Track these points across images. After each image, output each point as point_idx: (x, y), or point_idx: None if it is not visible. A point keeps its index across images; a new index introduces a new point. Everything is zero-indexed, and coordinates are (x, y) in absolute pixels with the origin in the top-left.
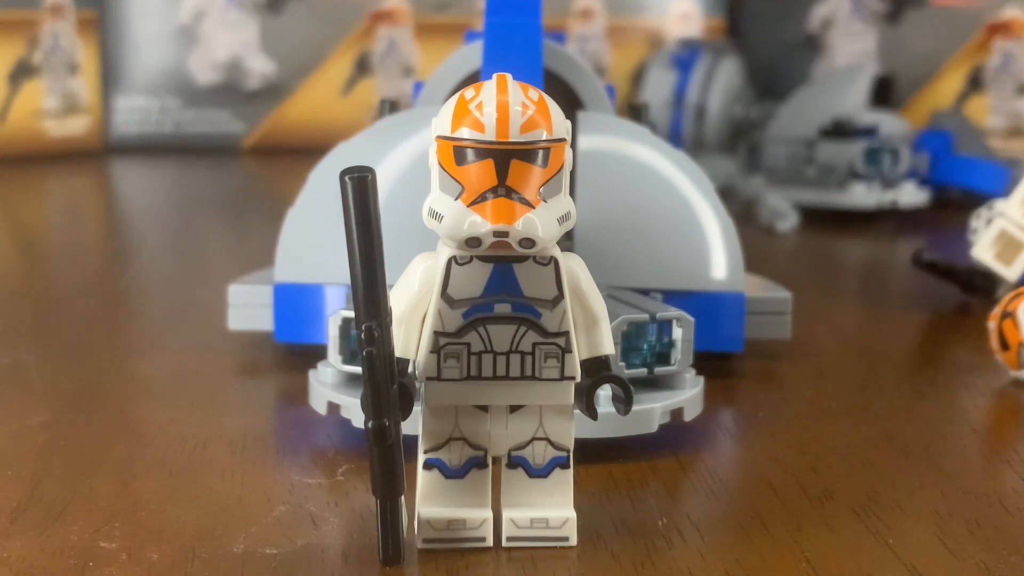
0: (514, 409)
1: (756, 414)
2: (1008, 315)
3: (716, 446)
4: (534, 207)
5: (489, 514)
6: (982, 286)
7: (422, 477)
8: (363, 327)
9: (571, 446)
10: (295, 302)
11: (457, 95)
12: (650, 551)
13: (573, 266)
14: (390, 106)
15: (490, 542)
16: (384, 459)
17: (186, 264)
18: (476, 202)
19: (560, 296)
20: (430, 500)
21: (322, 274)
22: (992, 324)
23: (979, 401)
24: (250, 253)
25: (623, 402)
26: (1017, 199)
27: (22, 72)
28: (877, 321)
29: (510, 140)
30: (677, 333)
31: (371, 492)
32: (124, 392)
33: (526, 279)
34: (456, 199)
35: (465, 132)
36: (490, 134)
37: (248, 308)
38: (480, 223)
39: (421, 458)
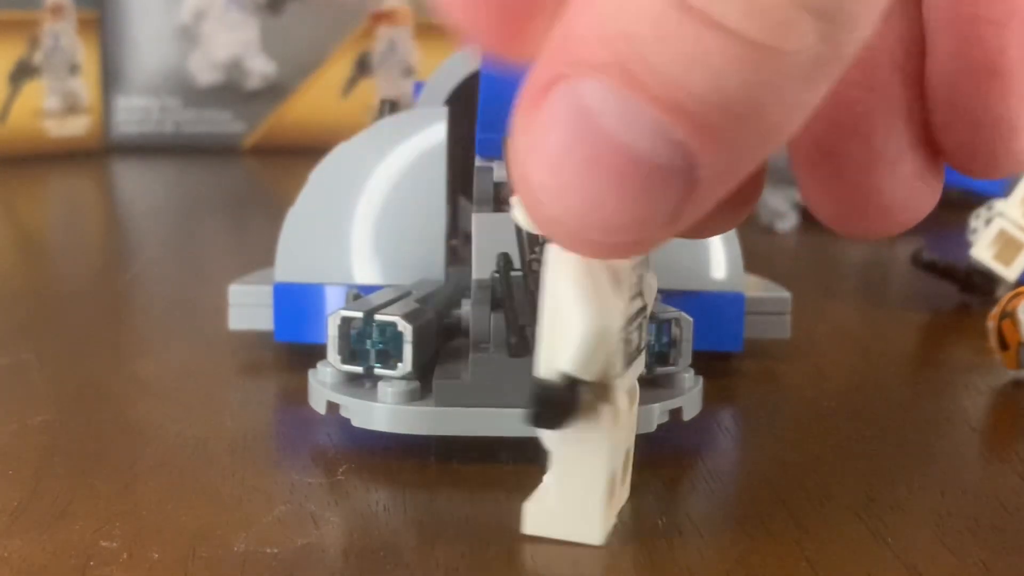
0: None
1: (756, 414)
2: (1007, 315)
3: (716, 446)
4: None
5: None
6: (981, 286)
7: None
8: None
9: None
10: (295, 302)
11: None
12: (650, 551)
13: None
14: (390, 106)
15: None
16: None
17: (186, 264)
18: None
19: None
20: None
21: (322, 274)
22: (992, 324)
23: (979, 401)
24: (250, 253)
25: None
26: (1016, 199)
27: (23, 72)
28: (877, 321)
29: None
30: (676, 333)
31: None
32: (124, 392)
33: None
34: None
35: None
36: None
37: (248, 308)
38: None
39: None
